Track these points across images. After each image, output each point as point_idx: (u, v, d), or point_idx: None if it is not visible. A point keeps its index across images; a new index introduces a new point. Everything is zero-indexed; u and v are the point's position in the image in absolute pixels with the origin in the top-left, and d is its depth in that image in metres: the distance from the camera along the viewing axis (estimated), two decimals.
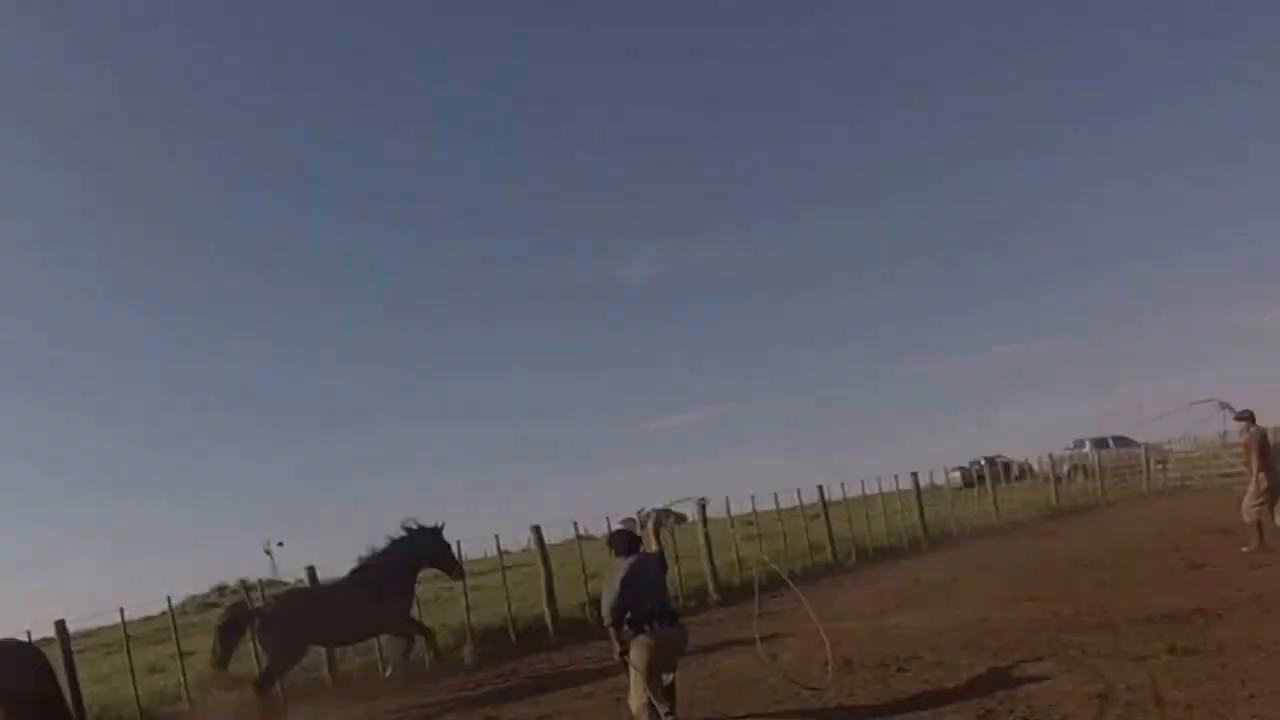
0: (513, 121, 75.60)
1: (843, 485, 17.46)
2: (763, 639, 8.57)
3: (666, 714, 6.26)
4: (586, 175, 79.71)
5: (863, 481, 17.73)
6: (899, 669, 8.07)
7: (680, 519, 20.05)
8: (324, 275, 79.10)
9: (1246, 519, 11.74)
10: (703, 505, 14.85)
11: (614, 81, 75.86)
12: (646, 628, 6.27)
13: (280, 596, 10.37)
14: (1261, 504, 11.47)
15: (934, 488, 21.95)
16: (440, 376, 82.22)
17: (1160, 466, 26.71)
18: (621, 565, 6.44)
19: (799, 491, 16.27)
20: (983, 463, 26.91)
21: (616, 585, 6.31)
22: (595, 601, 10.04)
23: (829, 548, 15.91)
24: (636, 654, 6.24)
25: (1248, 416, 11.84)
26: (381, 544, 10.03)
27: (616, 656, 6.41)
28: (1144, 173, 75.43)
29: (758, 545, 14.25)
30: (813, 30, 72.87)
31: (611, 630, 6.35)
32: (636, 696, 6.29)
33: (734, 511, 15.38)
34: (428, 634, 10.24)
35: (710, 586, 13.28)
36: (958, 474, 27.69)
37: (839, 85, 77.54)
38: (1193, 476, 25.85)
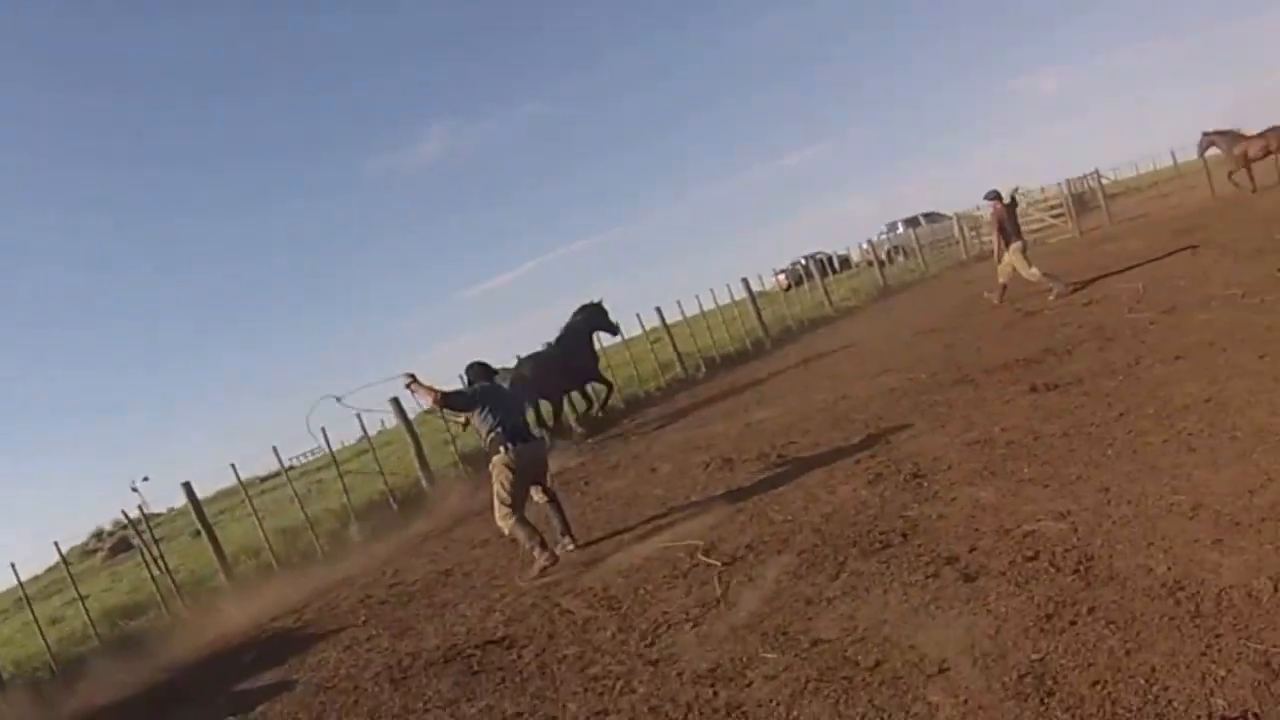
0: None
1: (679, 304, 20.56)
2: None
3: (563, 534, 7.79)
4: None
5: (698, 296, 20.60)
6: (778, 455, 9.22)
7: None
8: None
9: (1000, 279, 15.46)
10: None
11: None
12: (508, 445, 7.46)
13: (519, 363, 14.61)
14: (1012, 268, 15.15)
15: (764, 292, 24.70)
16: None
17: (975, 234, 29.82)
18: (478, 385, 7.85)
19: (639, 317, 19.26)
20: (805, 260, 29.68)
21: (472, 389, 7.78)
22: (464, 458, 13.90)
23: (678, 364, 18.82)
24: (499, 472, 7.49)
25: (994, 196, 15.35)
26: (565, 321, 15.26)
27: (405, 382, 7.58)
28: None
29: (610, 375, 16.33)
30: None
31: (436, 393, 7.51)
32: (504, 516, 7.51)
33: None
34: (610, 386, 15.63)
35: (571, 421, 15.65)
36: (783, 275, 30.29)
37: None
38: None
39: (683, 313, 20.57)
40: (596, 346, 15.88)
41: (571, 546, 7.78)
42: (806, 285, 26.58)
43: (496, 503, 7.56)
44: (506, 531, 7.57)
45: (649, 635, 5.61)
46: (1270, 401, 6.41)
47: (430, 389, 7.52)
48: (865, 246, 32.14)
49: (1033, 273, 15.01)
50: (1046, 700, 3.59)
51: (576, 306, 15.54)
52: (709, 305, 20.60)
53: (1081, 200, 30.03)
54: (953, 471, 6.92)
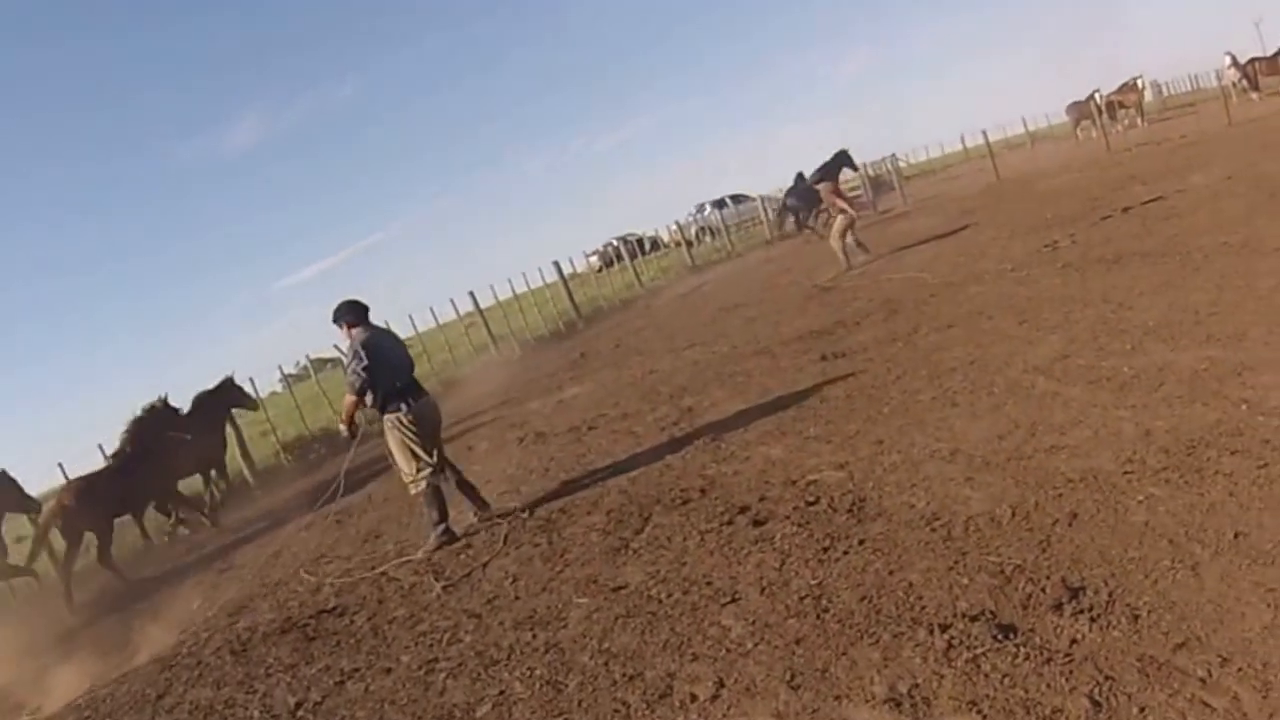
0: None
1: (492, 288, 21.48)
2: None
3: (479, 508, 7.37)
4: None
5: (510, 280, 21.58)
6: (589, 428, 9.74)
7: None
8: None
9: (834, 245, 16.89)
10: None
11: None
12: (402, 405, 6.97)
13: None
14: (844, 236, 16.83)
15: (576, 274, 24.99)
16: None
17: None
18: (360, 337, 6.96)
19: (453, 302, 20.13)
20: (616, 242, 30.42)
21: (363, 355, 6.82)
22: (287, 447, 14.30)
23: (492, 345, 19.68)
24: (400, 432, 6.97)
25: (819, 179, 18.88)
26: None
27: (344, 431, 7.19)
28: None
29: (425, 361, 16.99)
30: None
31: (349, 404, 7.00)
32: (414, 479, 7.06)
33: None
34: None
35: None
36: (595, 257, 30.98)
37: None
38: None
39: (495, 296, 21.32)
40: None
41: (480, 514, 7.36)
42: (617, 266, 27.36)
43: (405, 464, 7.08)
44: (414, 493, 7.17)
45: (472, 594, 5.99)
46: (1024, 361, 7.34)
47: (348, 409, 7.10)
48: (674, 228, 33.16)
49: (841, 244, 16.66)
50: (822, 615, 4.19)
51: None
52: (522, 288, 21.50)
53: (879, 182, 31.87)
54: (748, 433, 7.57)
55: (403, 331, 17.56)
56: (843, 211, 16.93)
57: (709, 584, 4.92)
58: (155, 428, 12.06)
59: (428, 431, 7.10)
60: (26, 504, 12.27)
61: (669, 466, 7.31)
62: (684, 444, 7.81)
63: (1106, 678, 3.20)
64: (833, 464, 6.20)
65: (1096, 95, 33.55)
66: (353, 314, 7.07)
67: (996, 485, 5.09)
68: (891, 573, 4.41)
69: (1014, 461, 5.36)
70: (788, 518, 5.48)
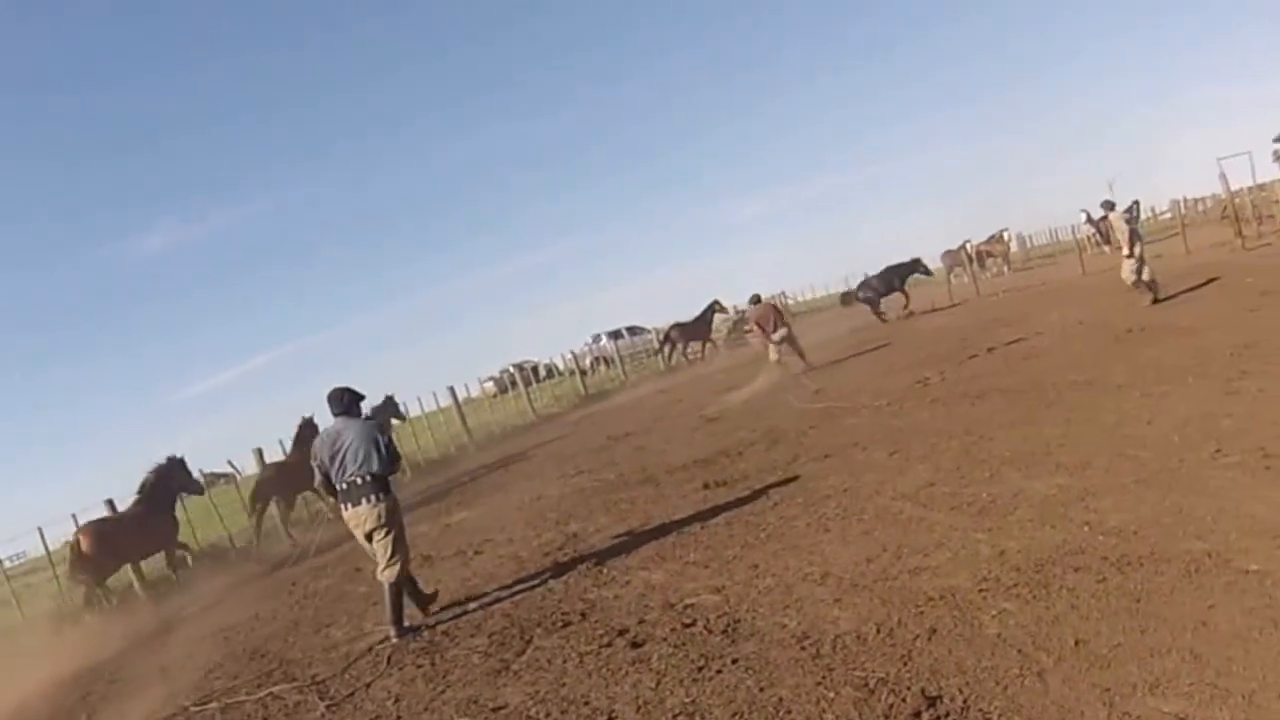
0: None
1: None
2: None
3: (391, 623, 7.30)
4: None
5: (404, 404, 21.74)
6: (475, 552, 9.84)
7: None
8: None
9: (773, 358, 18.47)
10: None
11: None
12: (347, 503, 7.24)
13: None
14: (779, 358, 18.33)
15: (471, 399, 24.81)
16: None
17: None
18: (326, 433, 7.36)
19: None
20: (512, 369, 30.89)
21: (319, 454, 7.27)
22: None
23: None
24: (347, 519, 7.34)
25: (755, 300, 19.69)
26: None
27: (329, 513, 8.13)
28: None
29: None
30: None
31: (322, 489, 7.50)
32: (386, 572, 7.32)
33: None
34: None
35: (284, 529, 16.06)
36: (491, 383, 31.24)
37: None
38: (703, 351, 31.74)
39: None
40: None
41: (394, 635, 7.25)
42: (512, 393, 27.60)
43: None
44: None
45: (355, 713, 5.95)
46: (893, 489, 7.76)
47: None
48: (569, 356, 33.89)
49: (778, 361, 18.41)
50: None
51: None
52: (416, 411, 21.85)
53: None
54: (630, 558, 7.76)
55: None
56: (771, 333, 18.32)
57: (586, 704, 5.03)
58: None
59: (362, 534, 7.28)
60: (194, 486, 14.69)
61: (551, 590, 7.44)
62: (567, 569, 7.95)
63: None
64: (710, 588, 6.42)
65: (967, 245, 36.01)
66: (332, 403, 7.37)
67: (863, 605, 5.37)
68: (762, 689, 4.61)
69: (880, 582, 5.67)
70: (665, 639, 5.64)
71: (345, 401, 7.37)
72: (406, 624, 7.31)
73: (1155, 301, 15.56)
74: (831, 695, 4.35)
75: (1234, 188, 23.97)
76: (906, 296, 25.88)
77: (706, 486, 9.75)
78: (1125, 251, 16.14)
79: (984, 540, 5.95)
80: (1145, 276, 15.84)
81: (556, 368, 38.81)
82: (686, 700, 4.71)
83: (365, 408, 7.93)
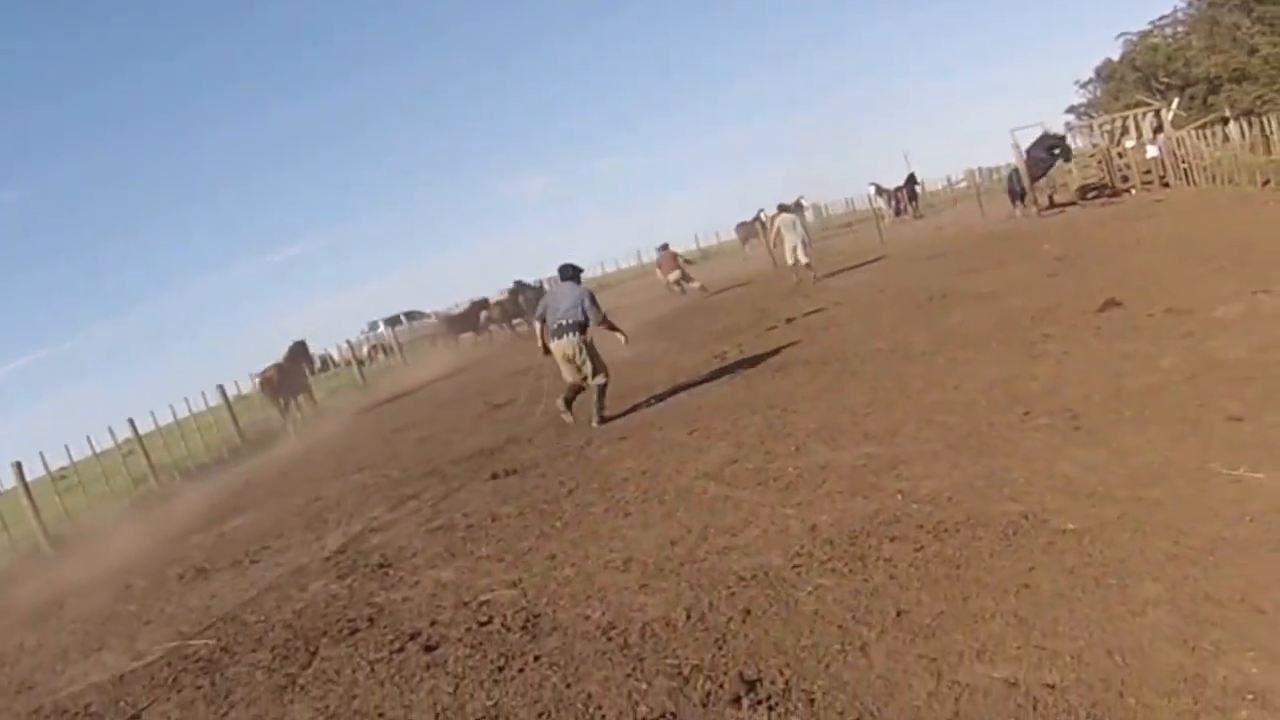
0: None
1: (152, 413, 20.58)
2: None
3: (597, 416, 11.11)
4: None
5: (172, 406, 21.07)
6: (252, 560, 9.36)
7: None
8: None
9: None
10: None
11: None
12: (554, 338, 11.20)
13: None
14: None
15: (242, 396, 25.20)
16: None
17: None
18: (550, 292, 11.98)
19: (111, 429, 19.57)
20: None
21: (545, 299, 11.74)
22: None
23: (151, 476, 19.20)
24: (554, 349, 11.28)
25: (662, 247, 24.10)
26: None
27: (540, 350, 11.64)
28: None
29: (81, 493, 16.72)
30: None
31: (536, 327, 11.75)
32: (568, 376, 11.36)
33: (52, 465, 18.02)
34: None
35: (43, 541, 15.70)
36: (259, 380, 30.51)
37: None
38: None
39: (156, 422, 20.60)
40: None
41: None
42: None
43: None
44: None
45: None
46: (694, 468, 7.83)
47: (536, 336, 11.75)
48: (345, 345, 33.11)
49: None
50: None
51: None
52: (184, 413, 21.18)
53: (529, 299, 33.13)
54: (417, 557, 7.50)
55: (56, 461, 18.36)
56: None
57: (381, 715, 4.82)
58: None
59: (566, 363, 11.24)
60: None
61: (335, 596, 7.09)
62: (351, 572, 7.62)
63: None
64: (505, 582, 6.28)
65: (762, 215, 37.03)
66: (560, 273, 11.78)
67: (671, 590, 5.36)
68: (569, 685, 4.51)
69: (687, 565, 5.68)
70: (460, 640, 5.47)
71: (567, 273, 11.63)
72: (600, 420, 11.04)
73: (815, 279, 20.42)
74: (644, 687, 4.30)
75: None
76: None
77: (495, 476, 9.57)
78: (788, 244, 21.12)
79: (794, 515, 6.07)
80: (803, 259, 20.62)
81: (332, 359, 37.98)
82: (488, 704, 4.57)
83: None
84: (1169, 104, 26.38)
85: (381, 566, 7.58)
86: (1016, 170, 24.82)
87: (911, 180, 37.83)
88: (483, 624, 5.65)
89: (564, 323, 11.08)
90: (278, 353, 23.54)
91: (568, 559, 6.42)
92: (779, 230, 21.65)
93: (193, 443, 20.80)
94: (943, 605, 4.37)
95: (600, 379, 11.13)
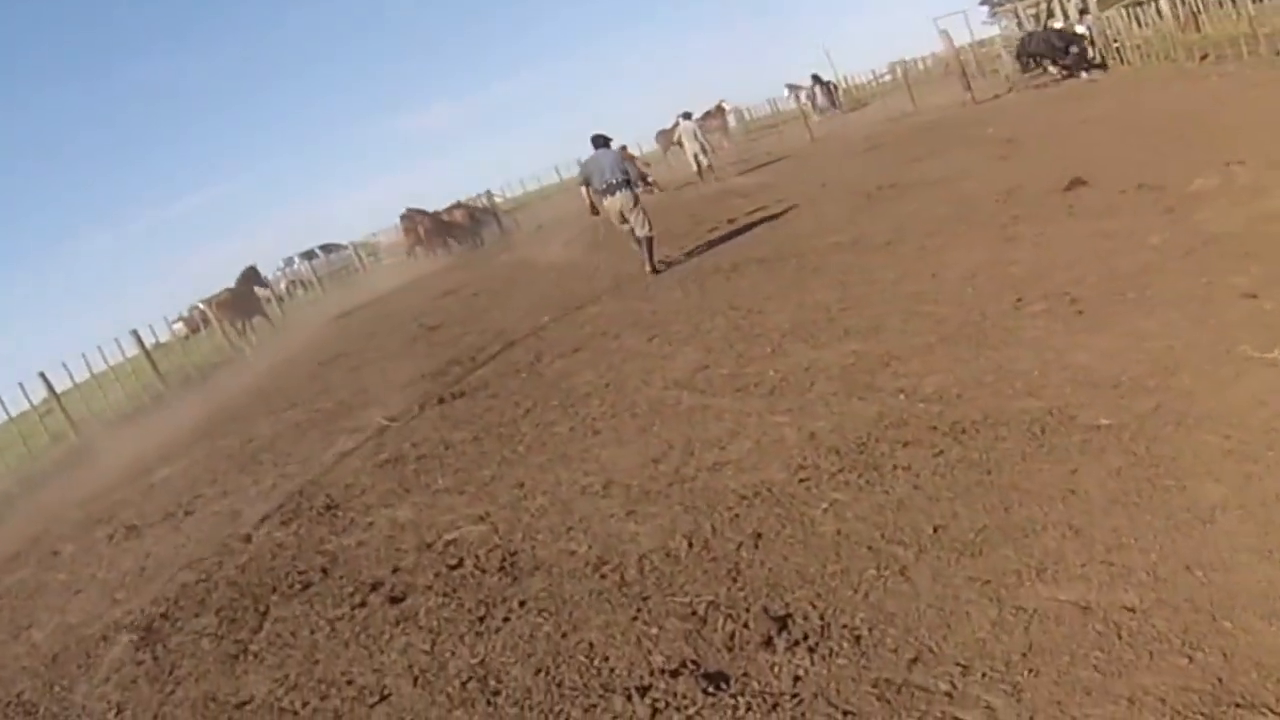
0: None
1: (66, 366, 19.43)
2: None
3: (650, 265, 12.44)
4: None
5: (85, 356, 19.84)
6: (186, 512, 8.48)
7: None
8: None
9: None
10: None
11: None
12: (606, 196, 12.48)
13: None
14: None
15: (161, 344, 23.90)
16: None
17: (373, 258, 31.26)
18: (592, 158, 13.05)
19: (22, 387, 18.44)
20: (201, 305, 29.75)
21: (582, 169, 13.44)
22: None
23: (72, 431, 18.14)
24: (605, 207, 12.65)
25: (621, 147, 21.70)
26: None
27: (588, 209, 13.17)
28: None
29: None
30: None
31: (583, 190, 13.11)
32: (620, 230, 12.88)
33: None
34: None
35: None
36: (180, 324, 29.82)
37: None
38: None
39: (72, 378, 19.60)
40: None
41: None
42: (205, 331, 26.15)
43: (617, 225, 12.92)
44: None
45: None
46: (662, 377, 7.25)
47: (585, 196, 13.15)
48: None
49: None
50: (494, 699, 3.64)
51: None
52: (100, 365, 20.16)
53: (475, 216, 32.32)
54: (367, 495, 6.83)
55: None
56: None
57: (350, 683, 4.19)
58: None
59: (619, 211, 12.57)
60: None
61: (282, 546, 6.39)
62: (295, 517, 6.91)
63: (845, 713, 2.92)
64: (471, 517, 5.67)
65: (679, 121, 36.15)
66: (594, 143, 13.01)
67: (664, 515, 4.80)
68: (565, 635, 3.94)
69: (676, 486, 5.13)
70: (430, 588, 4.86)
71: (600, 141, 12.91)
72: (656, 266, 12.42)
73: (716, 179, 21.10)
74: (654, 632, 3.75)
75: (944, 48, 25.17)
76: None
77: (442, 401, 8.89)
78: (688, 151, 22.55)
79: (786, 423, 5.53)
80: (705, 163, 21.98)
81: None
82: (474, 661, 3.97)
83: None
84: None
85: (329, 509, 6.89)
86: (1031, 34, 23.92)
87: (816, 79, 37.49)
88: (453, 567, 5.04)
89: (612, 181, 12.43)
90: (193, 296, 22.61)
91: (538, 486, 5.83)
92: (679, 138, 23.09)
93: (113, 394, 19.98)
94: (983, 518, 3.85)
95: (647, 230, 12.41)
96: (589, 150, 13.07)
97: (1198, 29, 20.00)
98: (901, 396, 5.38)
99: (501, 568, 4.81)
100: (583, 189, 13.03)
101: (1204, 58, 18.49)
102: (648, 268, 12.28)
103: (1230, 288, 5.63)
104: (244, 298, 22.55)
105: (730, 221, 14.89)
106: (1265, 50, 16.97)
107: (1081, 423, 4.44)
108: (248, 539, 6.87)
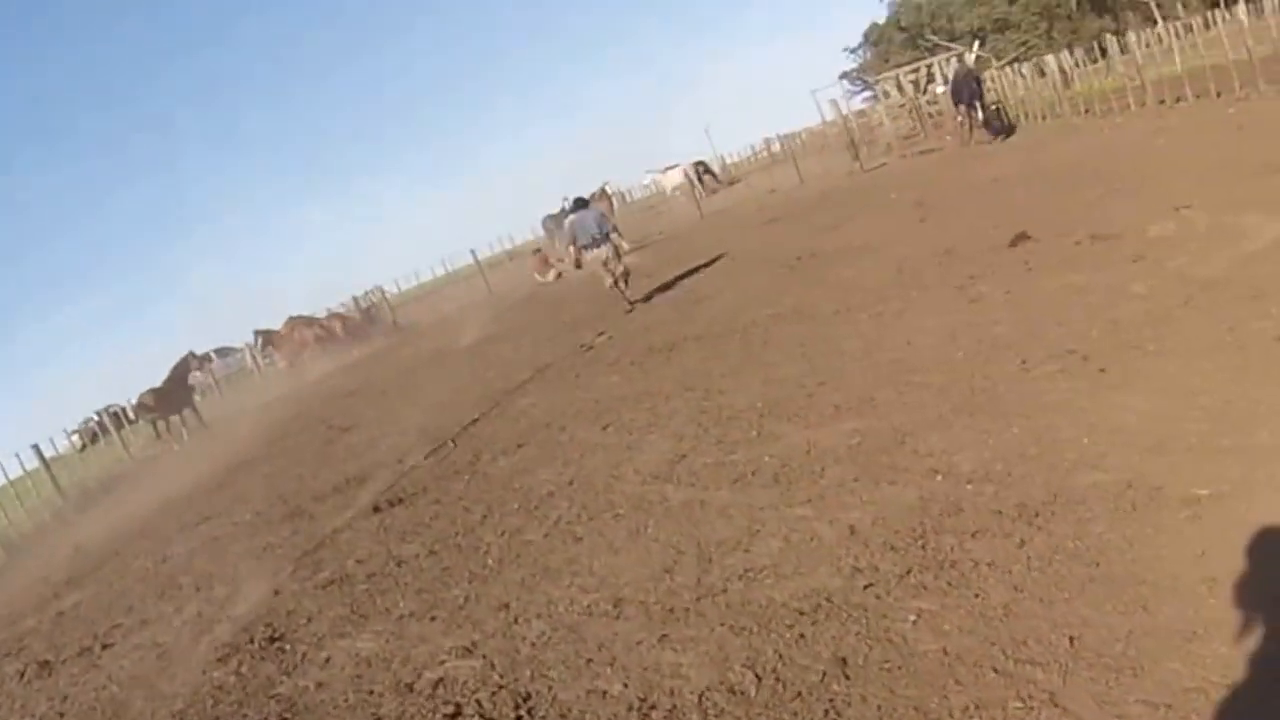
0: None
1: None
2: None
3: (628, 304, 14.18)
4: None
5: None
6: (104, 646, 7.36)
7: None
8: None
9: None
10: None
11: None
12: (590, 249, 14.43)
13: None
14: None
15: (60, 456, 22.79)
16: None
17: (268, 359, 30.21)
18: (572, 219, 14.98)
19: None
20: (97, 416, 28.04)
21: (568, 228, 15.05)
22: None
23: None
24: (590, 259, 14.63)
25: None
26: None
27: (572, 265, 16.05)
28: None
29: None
30: None
31: (570, 251, 14.99)
32: (606, 278, 14.55)
33: None
34: None
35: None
36: (76, 436, 27.91)
37: None
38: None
39: None
40: None
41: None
42: (104, 441, 25.10)
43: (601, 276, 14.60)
44: (606, 285, 14.63)
45: None
46: (634, 471, 6.52)
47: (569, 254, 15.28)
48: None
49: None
50: None
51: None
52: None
53: (369, 314, 31.25)
54: (315, 624, 5.88)
55: None
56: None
57: None
58: None
59: (600, 264, 14.39)
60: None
61: (222, 689, 5.38)
62: (234, 653, 5.87)
63: None
64: (454, 650, 4.80)
65: (565, 204, 35.97)
66: (574, 205, 15.62)
67: (706, 639, 4.03)
68: None
69: (707, 601, 4.37)
70: None
71: (580, 203, 15.39)
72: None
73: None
74: None
75: (830, 118, 25.39)
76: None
77: (378, 509, 7.95)
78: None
79: (812, 517, 4.85)
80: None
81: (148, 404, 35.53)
82: None
83: None
84: (970, 47, 26.47)
85: (272, 641, 5.89)
86: (959, 80, 22.84)
87: (701, 165, 37.84)
88: (451, 717, 4.15)
89: (596, 235, 14.34)
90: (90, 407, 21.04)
91: (528, 607, 5.00)
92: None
93: (13, 512, 18.62)
94: (1121, 622, 3.20)
95: (625, 269, 14.47)
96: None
97: (1067, 85, 20.47)
98: (939, 478, 4.75)
99: (517, 717, 3.94)
100: (570, 247, 14.88)
101: (1087, 111, 18.83)
102: (627, 305, 14.09)
103: (1258, 333, 5.23)
104: (171, 394, 21.81)
105: (647, 299, 14.30)
106: (1151, 100, 17.34)
107: (1173, 495, 3.87)
108: (175, 679, 5.84)
